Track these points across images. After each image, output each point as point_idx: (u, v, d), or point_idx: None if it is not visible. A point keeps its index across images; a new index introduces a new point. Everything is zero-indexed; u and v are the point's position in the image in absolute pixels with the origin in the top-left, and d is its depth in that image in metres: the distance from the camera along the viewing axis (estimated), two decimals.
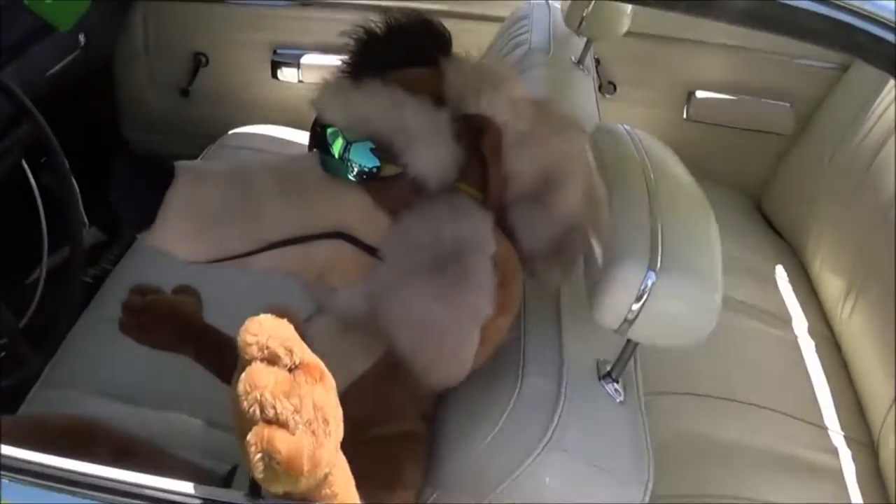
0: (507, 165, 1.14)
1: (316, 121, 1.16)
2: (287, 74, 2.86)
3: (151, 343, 1.51)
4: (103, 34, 2.70)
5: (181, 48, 2.89)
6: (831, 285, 2.28)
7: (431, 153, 1.09)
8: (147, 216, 1.04)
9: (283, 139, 2.50)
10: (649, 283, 1.03)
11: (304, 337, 0.91)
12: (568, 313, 1.26)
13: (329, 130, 1.11)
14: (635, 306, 1.05)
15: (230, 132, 2.56)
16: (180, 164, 1.07)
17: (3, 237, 1.96)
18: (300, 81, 2.83)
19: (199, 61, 2.89)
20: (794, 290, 2.37)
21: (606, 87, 2.80)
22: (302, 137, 2.37)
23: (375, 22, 1.22)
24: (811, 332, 2.23)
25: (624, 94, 2.81)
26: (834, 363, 2.16)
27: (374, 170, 1.10)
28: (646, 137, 1.33)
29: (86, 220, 2.09)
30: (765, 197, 2.82)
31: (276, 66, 2.87)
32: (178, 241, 1.07)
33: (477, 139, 1.13)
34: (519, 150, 1.15)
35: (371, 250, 1.12)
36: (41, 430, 1.46)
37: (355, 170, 1.10)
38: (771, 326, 2.20)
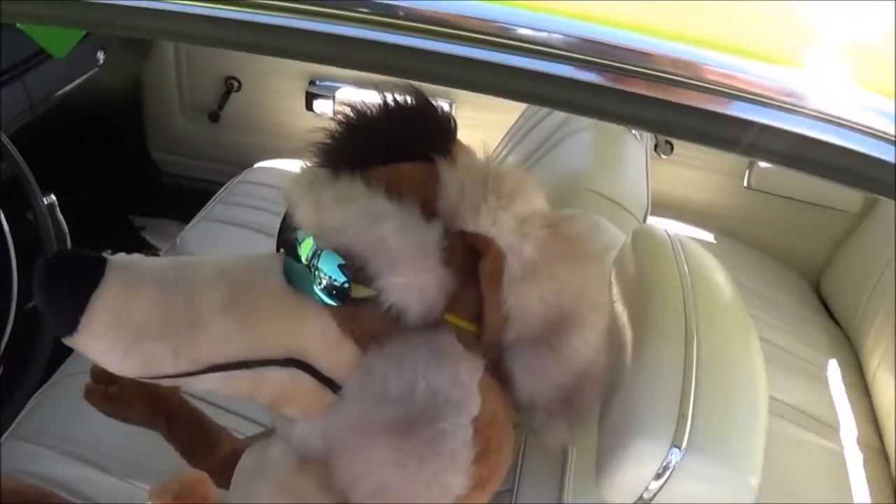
0: (509, 300, 0.93)
1: (285, 217, 1.00)
2: (322, 107, 2.71)
3: (116, 416, 1.35)
4: (127, 53, 2.59)
5: (213, 71, 2.79)
6: (887, 391, 2.06)
7: (414, 280, 0.90)
8: (68, 321, 0.90)
9: None
10: (673, 459, 0.86)
11: None
12: (574, 463, 1.07)
13: (298, 231, 0.95)
14: (654, 485, 0.87)
15: (255, 166, 2.46)
16: (114, 263, 0.92)
17: None
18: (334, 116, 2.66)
19: (230, 86, 2.78)
20: (847, 390, 2.15)
21: (663, 146, 2.60)
22: None
23: (365, 103, 1.00)
24: (860, 441, 2.01)
25: (681, 155, 2.61)
26: (882, 478, 1.94)
27: (344, 287, 0.92)
28: (690, 246, 1.15)
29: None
30: (824, 278, 2.61)
31: (311, 97, 2.73)
32: (103, 354, 0.94)
33: (474, 262, 0.94)
34: (524, 284, 0.93)
35: (332, 385, 0.95)
36: None
37: (323, 282, 0.92)
38: (816, 434, 1.99)
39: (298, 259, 0.94)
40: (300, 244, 0.93)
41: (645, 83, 0.81)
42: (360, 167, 0.94)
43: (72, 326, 0.91)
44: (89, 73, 2.33)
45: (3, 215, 1.66)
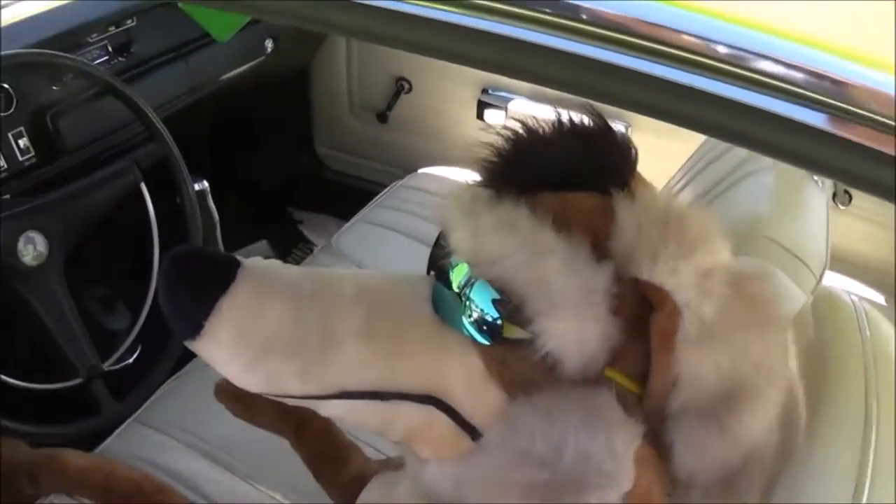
0: (680, 364, 0.81)
1: (439, 237, 0.91)
2: (493, 117, 2.60)
3: (245, 417, 1.31)
4: (297, 43, 2.56)
5: (384, 70, 2.72)
6: None
7: (576, 328, 0.79)
8: (192, 324, 0.85)
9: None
10: None
11: None
12: None
13: (452, 255, 0.86)
14: None
15: (419, 171, 2.39)
16: (247, 267, 0.87)
17: (108, 269, 1.79)
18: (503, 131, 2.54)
19: (401, 87, 2.70)
20: None
21: (841, 196, 2.35)
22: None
23: (538, 120, 0.89)
24: None
25: (861, 208, 2.36)
26: None
27: (497, 323, 0.81)
28: (873, 316, 1.03)
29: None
30: None
31: (482, 106, 2.62)
32: (225, 364, 0.88)
33: (644, 314, 0.83)
34: (699, 347, 0.81)
35: (471, 430, 0.87)
36: (108, 480, 1.39)
37: (473, 314, 0.82)
38: None
39: (449, 285, 0.86)
40: (453, 269, 0.85)
41: (870, 131, 0.67)
42: (526, 192, 0.84)
43: (195, 330, 0.86)
44: (256, 61, 2.30)
45: (148, 198, 1.63)
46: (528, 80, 0.80)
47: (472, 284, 0.83)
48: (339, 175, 2.96)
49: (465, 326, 0.84)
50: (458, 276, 0.84)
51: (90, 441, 1.60)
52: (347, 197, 2.71)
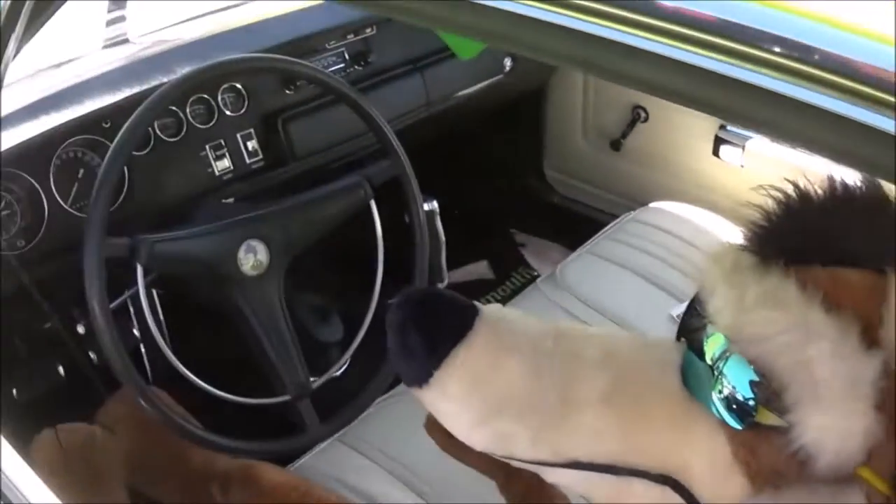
0: None
1: (694, 301, 0.84)
2: (729, 155, 2.39)
3: (454, 454, 1.23)
4: (535, 63, 2.44)
5: (622, 97, 2.57)
6: None
7: (838, 422, 0.71)
8: (420, 371, 0.84)
9: (704, 227, 2.11)
10: None
11: None
12: None
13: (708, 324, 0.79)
14: None
15: (650, 205, 2.24)
16: (487, 315, 0.85)
17: (326, 281, 1.73)
18: (742, 167, 2.37)
19: (637, 115, 2.54)
20: None
21: None
22: (724, 229, 2.04)
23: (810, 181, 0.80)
24: None
25: None
26: None
27: (750, 406, 0.75)
28: None
29: (446, 275, 1.86)
30: None
31: (719, 142, 2.42)
32: (450, 416, 0.88)
33: None
34: None
35: None
36: (302, 500, 1.39)
37: (725, 391, 0.76)
38: None
39: (702, 356, 0.80)
40: (707, 339, 0.79)
41: None
42: (795, 262, 0.77)
43: (423, 378, 0.84)
44: (493, 79, 2.22)
45: (377, 216, 1.58)
46: (771, 136, 0.67)
47: (728, 359, 0.76)
48: (566, 200, 2.83)
49: (714, 404, 0.78)
50: (712, 348, 0.78)
51: (287, 456, 1.55)
52: (573, 224, 2.63)
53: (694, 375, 0.81)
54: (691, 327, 0.83)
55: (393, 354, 0.86)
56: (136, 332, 1.61)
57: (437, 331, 0.83)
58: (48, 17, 1.05)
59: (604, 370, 0.82)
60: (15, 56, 1.03)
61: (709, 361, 0.79)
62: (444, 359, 0.82)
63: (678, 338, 0.87)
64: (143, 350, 1.65)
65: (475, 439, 0.87)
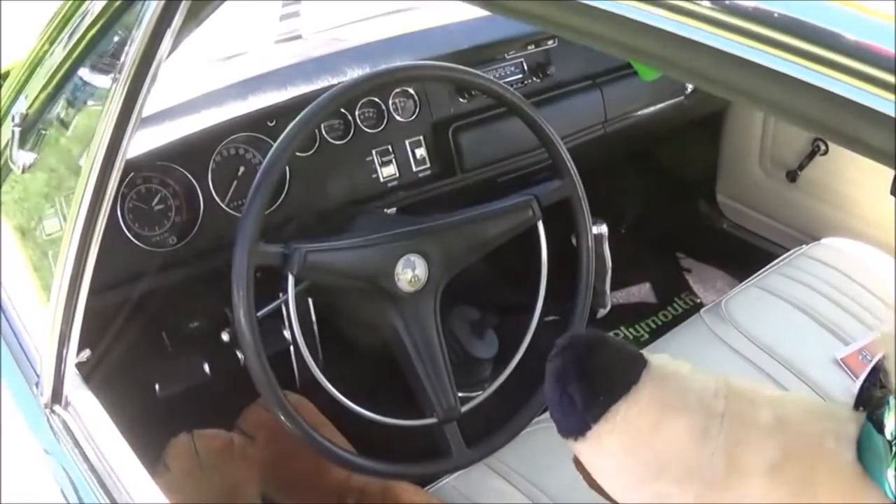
0: None
1: (874, 369, 0.84)
2: None
3: (602, 494, 1.11)
4: None
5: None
6: None
7: None
8: (577, 423, 0.79)
9: (878, 269, 1.96)
10: None
11: None
12: None
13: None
14: None
15: (823, 241, 2.08)
16: (655, 369, 0.79)
17: (481, 297, 1.66)
18: None
19: (817, 147, 2.35)
20: None
21: None
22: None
23: None
24: None
25: None
26: None
27: None
28: None
29: (608, 300, 1.72)
30: None
31: None
32: (605, 473, 0.82)
33: None
34: None
35: None
36: None
37: None
38: None
39: (881, 430, 0.73)
40: (889, 413, 0.72)
41: None
42: None
43: (580, 430, 0.79)
44: (673, 101, 2.06)
45: (544, 238, 1.44)
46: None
47: None
48: (736, 228, 2.65)
49: (888, 483, 0.71)
50: (893, 423, 0.71)
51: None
52: (742, 254, 2.46)
53: (870, 450, 0.75)
54: (872, 397, 0.78)
55: (550, 401, 0.82)
56: (287, 335, 1.51)
57: (600, 382, 0.79)
58: (209, 13, 0.94)
59: (775, 437, 0.77)
60: (171, 53, 0.92)
61: (888, 436, 0.72)
62: (604, 413, 0.78)
63: (856, 406, 0.82)
64: (292, 355, 1.56)
65: (630, 497, 0.81)
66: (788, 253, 2.05)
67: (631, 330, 2.33)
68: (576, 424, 0.79)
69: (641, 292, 2.47)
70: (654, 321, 2.39)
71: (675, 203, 2.67)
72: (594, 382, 0.78)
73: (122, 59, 0.96)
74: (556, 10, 0.63)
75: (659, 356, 0.82)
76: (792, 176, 2.41)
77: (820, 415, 0.80)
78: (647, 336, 2.30)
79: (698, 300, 2.47)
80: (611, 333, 2.27)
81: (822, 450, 0.76)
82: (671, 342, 1.77)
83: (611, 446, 0.78)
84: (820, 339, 1.74)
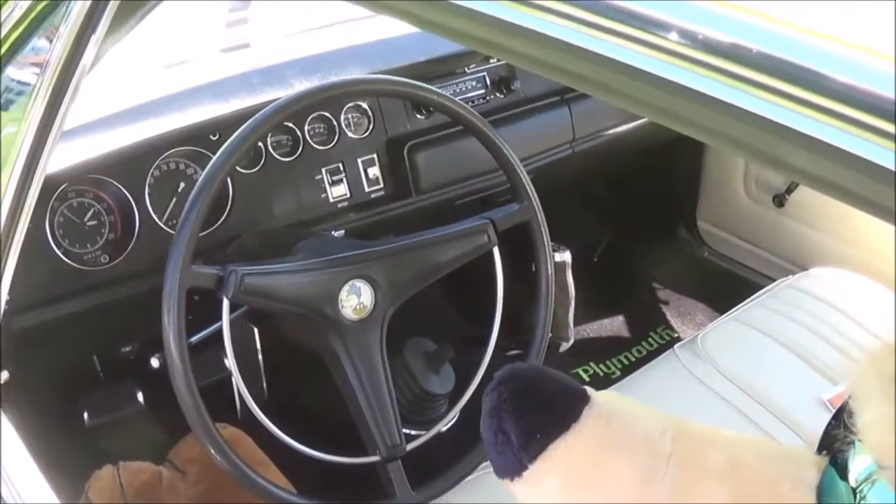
0: None
1: (841, 411, 0.78)
2: None
3: None
4: None
5: None
6: None
7: None
8: (513, 462, 0.79)
9: (871, 301, 1.95)
10: None
11: None
12: None
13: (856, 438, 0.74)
14: None
15: (811, 270, 2.09)
16: (597, 406, 0.79)
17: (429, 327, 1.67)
18: None
19: None
20: None
21: None
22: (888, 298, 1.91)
23: None
24: None
25: None
26: None
27: None
28: None
29: (571, 333, 1.74)
30: None
31: None
32: None
33: None
34: None
35: None
36: None
37: None
38: None
39: (845, 476, 0.74)
40: (853, 457, 0.73)
41: None
42: None
43: (515, 470, 0.79)
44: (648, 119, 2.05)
45: (499, 264, 1.47)
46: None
47: (874, 483, 0.70)
48: (718, 257, 2.68)
49: None
50: (858, 468, 0.72)
51: None
52: (723, 284, 2.49)
53: (832, 496, 0.75)
54: (835, 440, 0.78)
55: (485, 439, 0.82)
56: (227, 362, 1.53)
57: (537, 419, 0.79)
58: (138, 20, 0.96)
59: (726, 482, 0.77)
60: (95, 63, 0.94)
61: (852, 483, 0.73)
62: (541, 452, 0.78)
63: (819, 450, 0.81)
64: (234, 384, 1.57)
65: None
66: (773, 283, 2.06)
67: (601, 366, 2.35)
68: (511, 464, 0.79)
69: (614, 325, 2.48)
70: (628, 357, 2.41)
71: (652, 229, 2.69)
72: (531, 419, 0.79)
73: (44, 65, 0.97)
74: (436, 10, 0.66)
75: (605, 393, 0.83)
76: (779, 200, 2.43)
77: (777, 458, 0.81)
78: (618, 373, 2.32)
79: (676, 335, 2.49)
80: (579, 370, 2.32)
81: (778, 495, 0.77)
82: (641, 380, 1.78)
83: (548, 488, 0.79)
84: (806, 377, 1.74)
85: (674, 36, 0.53)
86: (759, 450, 0.83)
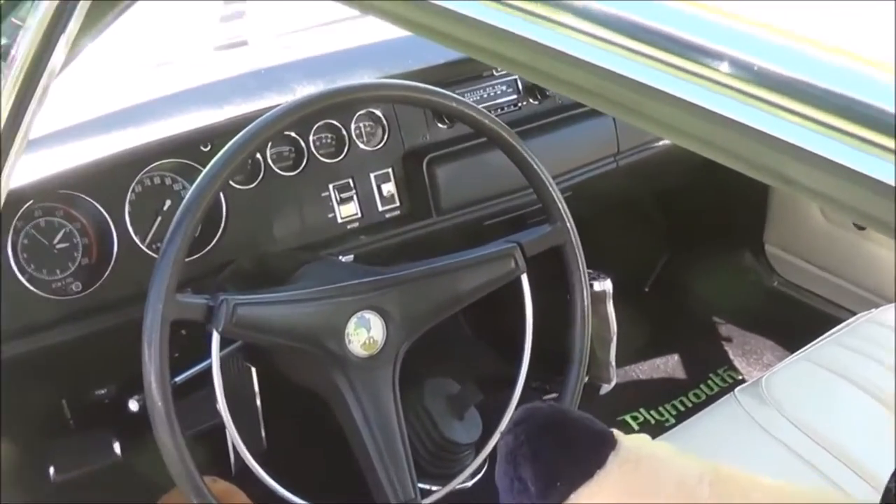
0: None
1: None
2: None
3: None
4: None
5: None
6: None
7: None
8: None
9: None
10: None
11: None
12: None
13: None
14: None
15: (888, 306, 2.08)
16: (627, 450, 0.81)
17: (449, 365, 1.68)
18: None
19: None
20: None
21: None
22: None
23: None
24: None
25: None
26: None
27: None
28: None
29: (613, 374, 1.75)
30: None
31: None
32: None
33: None
34: None
35: None
36: None
37: None
38: None
39: None
40: None
41: None
42: None
43: None
44: None
45: (528, 294, 1.48)
46: None
47: None
48: (789, 287, 2.68)
49: None
50: None
51: None
52: (795, 318, 2.50)
53: None
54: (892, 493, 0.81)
55: (501, 487, 0.85)
56: (219, 407, 1.54)
57: (558, 464, 0.81)
58: (119, 13, 0.97)
59: None
60: (67, 63, 0.95)
61: None
62: (562, 502, 0.80)
63: (883, 502, 0.85)
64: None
65: None
66: (853, 318, 2.06)
67: (653, 413, 2.35)
68: None
69: (668, 366, 2.49)
70: (684, 402, 2.41)
71: (713, 255, 2.69)
72: (551, 465, 0.80)
73: (8, 62, 0.99)
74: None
75: (634, 437, 0.84)
76: (861, 224, 2.44)
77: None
78: (672, 420, 2.32)
79: (740, 377, 2.50)
80: (627, 416, 2.31)
81: None
82: (694, 427, 1.77)
83: None
84: (886, 425, 1.72)
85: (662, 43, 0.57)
86: (811, 498, 0.86)
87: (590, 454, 0.80)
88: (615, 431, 0.83)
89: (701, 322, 2.68)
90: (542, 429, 0.82)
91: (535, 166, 1.48)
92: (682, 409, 2.37)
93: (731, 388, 2.06)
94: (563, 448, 0.81)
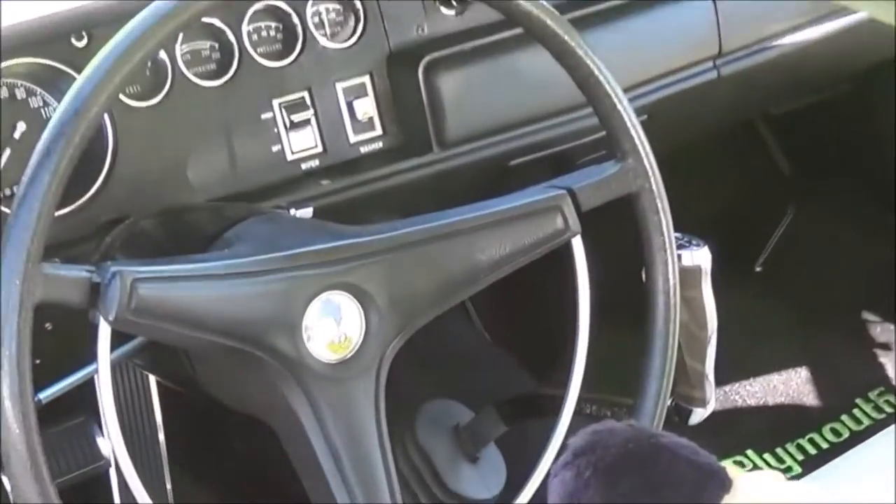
0: None
1: None
2: None
3: None
4: None
5: None
6: None
7: None
8: None
9: None
10: None
11: None
12: None
13: None
14: None
15: None
16: (743, 493, 0.86)
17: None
18: None
19: None
20: None
21: None
22: None
23: None
24: None
25: None
26: None
27: None
28: None
29: (711, 392, 1.80)
30: None
31: None
32: None
33: None
34: None
35: None
36: None
37: None
38: None
39: None
40: None
41: None
42: None
43: None
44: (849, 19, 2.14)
45: (582, 263, 1.49)
46: None
47: None
48: None
49: None
50: None
51: None
52: None
53: None
54: None
55: None
56: (104, 441, 1.56)
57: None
58: None
59: None
60: None
61: None
62: None
63: None
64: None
65: None
66: None
67: (768, 456, 2.40)
68: None
69: (792, 385, 2.53)
70: (816, 441, 2.45)
71: (859, 219, 2.74)
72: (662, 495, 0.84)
73: None
74: None
75: (758, 474, 0.89)
76: None
77: None
78: (797, 468, 2.36)
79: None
80: (730, 461, 2.32)
81: None
82: (838, 475, 1.83)
83: None
84: None
85: None
86: None
87: (693, 496, 0.83)
88: (729, 466, 0.86)
89: (842, 320, 2.73)
90: (621, 460, 0.85)
91: (599, 74, 1.47)
92: (813, 451, 2.41)
93: (891, 421, 2.10)
94: (653, 490, 0.84)
